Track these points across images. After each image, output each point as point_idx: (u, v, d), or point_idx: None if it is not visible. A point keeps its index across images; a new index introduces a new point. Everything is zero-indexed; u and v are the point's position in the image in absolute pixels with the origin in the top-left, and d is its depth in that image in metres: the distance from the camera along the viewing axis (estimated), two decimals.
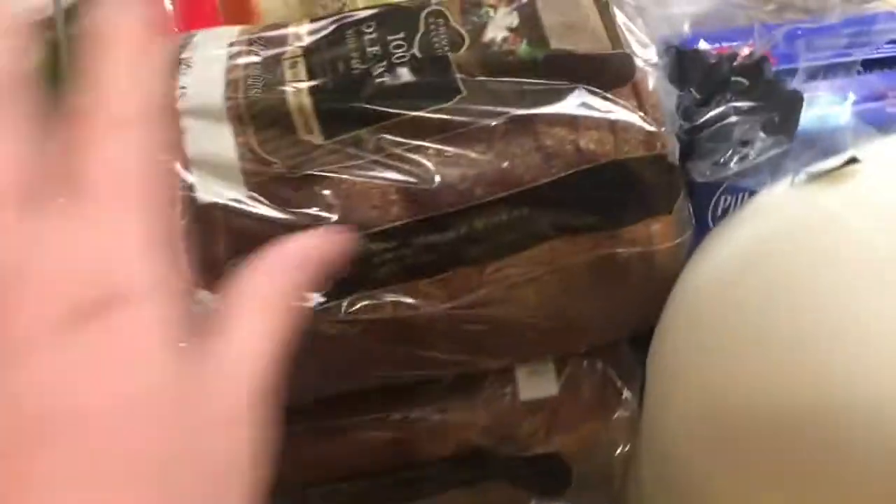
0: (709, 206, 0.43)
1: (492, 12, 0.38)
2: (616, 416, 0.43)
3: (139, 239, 0.19)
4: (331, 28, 0.40)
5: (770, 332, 0.32)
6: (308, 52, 0.39)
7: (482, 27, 0.38)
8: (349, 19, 0.40)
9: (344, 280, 0.36)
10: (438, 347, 0.39)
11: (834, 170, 0.32)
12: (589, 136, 0.35)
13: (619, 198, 0.36)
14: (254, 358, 0.22)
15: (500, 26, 0.38)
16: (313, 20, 0.41)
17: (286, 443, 0.42)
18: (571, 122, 0.35)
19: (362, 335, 0.37)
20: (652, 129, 0.35)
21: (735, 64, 0.38)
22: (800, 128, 0.40)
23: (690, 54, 0.39)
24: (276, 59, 0.39)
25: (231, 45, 0.39)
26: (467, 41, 0.38)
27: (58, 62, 0.56)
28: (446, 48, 0.37)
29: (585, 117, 0.35)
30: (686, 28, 0.48)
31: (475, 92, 0.35)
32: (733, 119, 0.36)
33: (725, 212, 0.43)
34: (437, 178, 0.35)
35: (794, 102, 0.37)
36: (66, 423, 0.18)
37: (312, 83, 0.37)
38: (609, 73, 0.35)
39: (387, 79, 0.36)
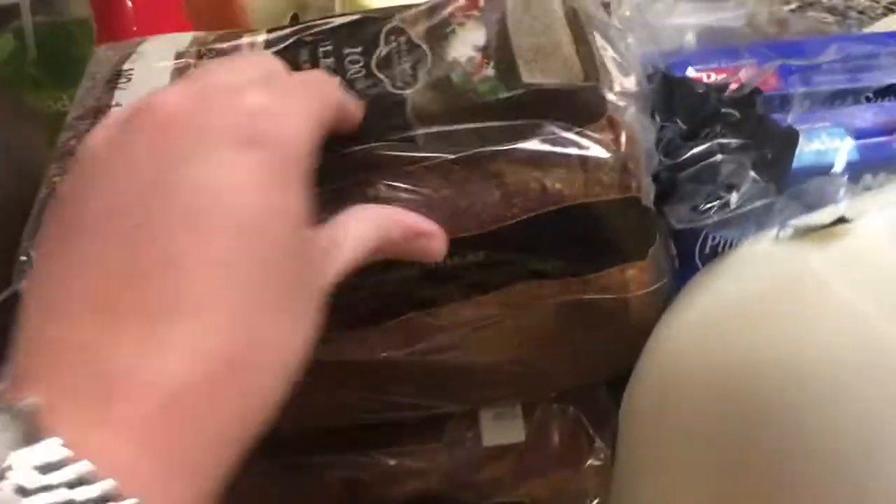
0: (696, 245, 0.40)
1: (458, 29, 0.35)
2: (587, 464, 0.40)
3: (309, 119, 0.27)
4: (290, 40, 0.37)
5: (748, 393, 0.31)
6: None
7: (446, 44, 0.35)
8: (311, 30, 0.37)
9: None
10: (396, 391, 0.36)
11: (822, 227, 0.29)
12: (556, 174, 0.32)
13: (587, 243, 0.33)
14: (345, 257, 0.28)
15: (466, 44, 0.35)
16: (271, 30, 0.38)
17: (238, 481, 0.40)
18: (537, 159, 0.32)
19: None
20: (626, 168, 0.32)
21: (725, 95, 0.35)
22: (795, 165, 0.37)
23: (678, 81, 0.35)
24: None
25: (179, 56, 0.36)
26: (430, 59, 0.35)
27: (25, 48, 0.54)
28: (408, 75, 0.34)
29: (553, 153, 0.32)
30: (691, 39, 0.45)
31: (432, 140, 0.32)
32: (719, 158, 0.33)
33: (714, 249, 0.40)
34: None
35: (789, 140, 0.34)
36: (215, 216, 0.24)
37: None
38: (579, 108, 0.32)
39: None
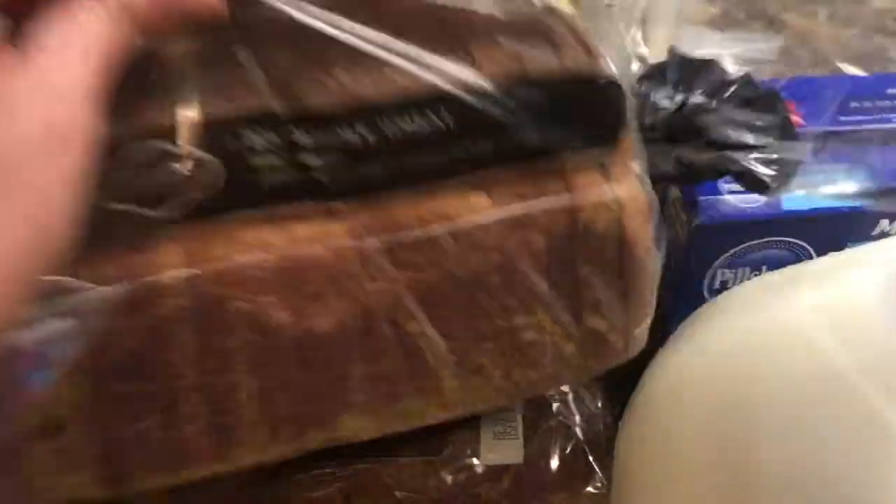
0: (703, 279, 0.40)
1: None
2: (585, 490, 0.40)
3: None
4: None
5: (735, 430, 0.32)
6: None
7: None
8: None
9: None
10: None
11: (815, 272, 0.29)
12: (531, 41, 0.31)
13: (556, 115, 0.32)
14: (78, 68, 0.23)
15: None
16: None
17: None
18: (512, 28, 0.31)
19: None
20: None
21: (750, 87, 0.35)
22: (813, 206, 0.36)
23: (697, 62, 0.36)
24: None
25: None
26: None
27: None
28: None
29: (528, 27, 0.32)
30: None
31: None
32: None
33: (724, 284, 0.40)
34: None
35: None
36: None
37: None
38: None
39: None
